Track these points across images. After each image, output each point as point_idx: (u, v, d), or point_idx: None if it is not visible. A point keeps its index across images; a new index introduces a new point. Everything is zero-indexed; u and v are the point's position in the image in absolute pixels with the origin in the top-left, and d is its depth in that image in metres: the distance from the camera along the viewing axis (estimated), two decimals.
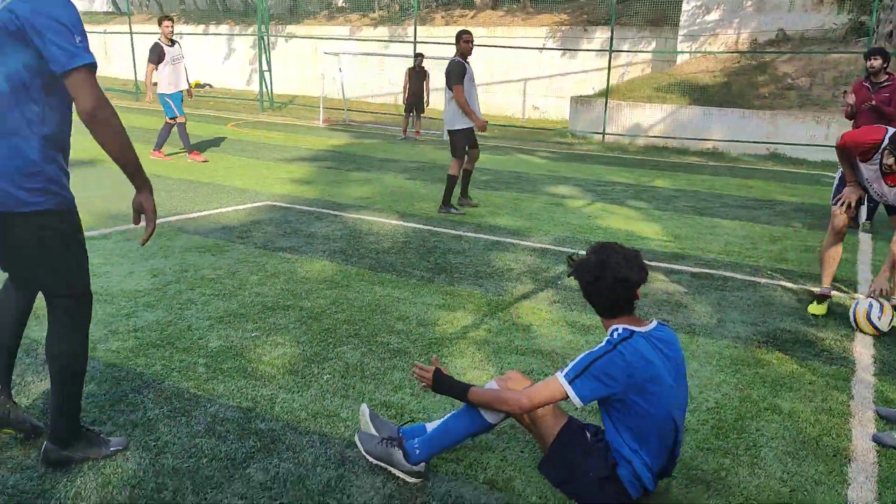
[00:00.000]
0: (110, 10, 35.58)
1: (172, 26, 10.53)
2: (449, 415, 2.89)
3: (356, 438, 2.97)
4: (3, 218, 2.51)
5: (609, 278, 2.57)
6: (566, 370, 2.56)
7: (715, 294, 5.41)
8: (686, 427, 3.23)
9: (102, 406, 3.29)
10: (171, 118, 10.67)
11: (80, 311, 2.74)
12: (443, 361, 3.93)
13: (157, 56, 10.42)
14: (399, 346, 4.14)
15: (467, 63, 7.69)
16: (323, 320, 4.50)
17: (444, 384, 2.81)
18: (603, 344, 2.58)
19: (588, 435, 2.71)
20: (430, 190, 9.35)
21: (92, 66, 2.45)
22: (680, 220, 8.17)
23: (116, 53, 28.02)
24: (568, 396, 2.52)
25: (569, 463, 2.66)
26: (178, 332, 4.21)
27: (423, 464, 2.83)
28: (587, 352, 2.58)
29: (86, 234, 2.80)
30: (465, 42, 7.65)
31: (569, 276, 2.75)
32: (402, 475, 2.82)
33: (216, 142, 13.25)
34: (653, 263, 6.10)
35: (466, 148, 7.87)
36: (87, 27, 2.57)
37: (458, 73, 7.54)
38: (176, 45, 10.65)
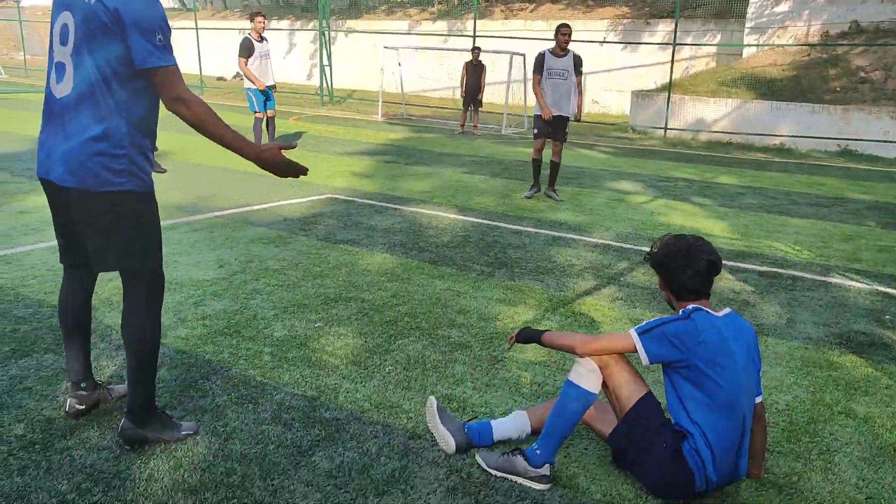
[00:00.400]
0: (175, 6, 36.56)
1: (264, 22, 10.70)
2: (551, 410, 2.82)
3: (477, 457, 2.86)
4: (84, 195, 2.60)
5: (698, 263, 2.67)
6: (638, 326, 2.65)
7: (784, 294, 5.25)
8: None
9: (173, 391, 3.38)
10: (254, 112, 10.89)
11: (152, 292, 2.82)
12: (504, 355, 3.93)
13: (246, 50, 10.53)
14: (460, 340, 4.14)
15: (556, 54, 8.12)
16: (384, 312, 4.53)
17: (526, 333, 2.99)
18: (678, 314, 2.67)
19: (664, 413, 2.71)
20: (489, 184, 9.33)
21: (169, 68, 2.53)
22: (746, 217, 7.96)
23: (181, 50, 28.68)
24: (636, 349, 2.59)
25: (637, 435, 2.66)
26: (245, 321, 4.29)
27: (548, 465, 2.73)
28: (661, 317, 2.66)
29: None
30: (561, 35, 8.10)
31: (652, 267, 2.82)
32: (529, 483, 2.73)
33: (279, 136, 13.47)
34: None
35: (536, 132, 8.29)
36: None
37: (536, 65, 8.20)
38: (264, 41, 10.80)
